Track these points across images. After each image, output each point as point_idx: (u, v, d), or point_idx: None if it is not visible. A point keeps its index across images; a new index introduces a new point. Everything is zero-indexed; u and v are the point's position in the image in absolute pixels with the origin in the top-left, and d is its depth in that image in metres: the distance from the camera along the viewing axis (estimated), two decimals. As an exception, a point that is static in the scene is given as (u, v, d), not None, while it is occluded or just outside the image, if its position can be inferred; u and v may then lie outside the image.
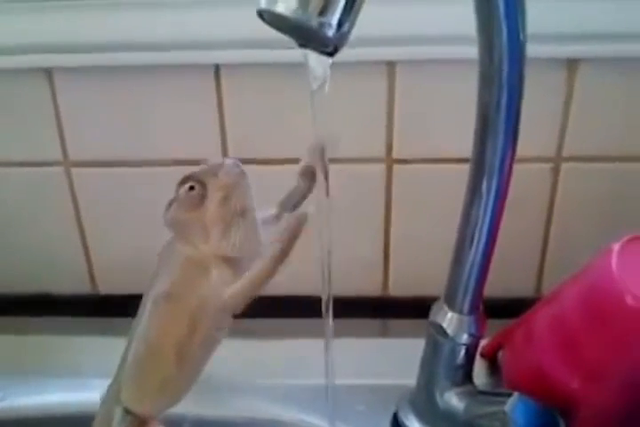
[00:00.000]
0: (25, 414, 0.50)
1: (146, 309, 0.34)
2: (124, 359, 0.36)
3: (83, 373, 0.51)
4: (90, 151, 0.54)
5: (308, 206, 0.34)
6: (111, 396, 0.37)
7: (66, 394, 0.50)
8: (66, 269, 0.59)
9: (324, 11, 0.26)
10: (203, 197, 0.31)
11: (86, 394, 0.49)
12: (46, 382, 0.51)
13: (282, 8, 0.27)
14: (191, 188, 0.31)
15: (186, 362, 0.34)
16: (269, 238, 0.32)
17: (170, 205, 0.33)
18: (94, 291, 0.60)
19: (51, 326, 0.57)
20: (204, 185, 0.31)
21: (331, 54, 0.28)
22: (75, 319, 0.58)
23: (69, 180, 0.55)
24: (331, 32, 0.27)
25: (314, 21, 0.26)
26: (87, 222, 0.57)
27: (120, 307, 0.58)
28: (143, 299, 0.35)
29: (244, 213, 0.32)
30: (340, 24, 0.27)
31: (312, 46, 0.28)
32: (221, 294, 0.32)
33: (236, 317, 0.35)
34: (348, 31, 0.27)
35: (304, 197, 0.34)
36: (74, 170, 0.55)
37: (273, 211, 0.35)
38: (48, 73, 0.51)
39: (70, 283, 0.59)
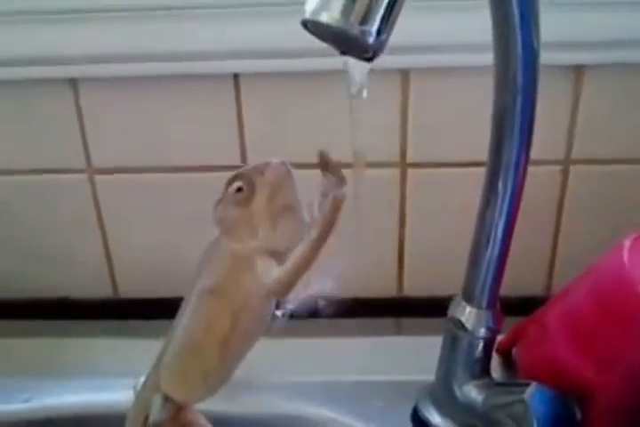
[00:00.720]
0: (50, 415, 0.51)
1: (190, 302, 0.35)
2: (164, 349, 0.37)
3: (105, 373, 0.52)
4: (112, 159, 0.56)
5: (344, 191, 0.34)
6: (149, 384, 0.38)
7: (90, 395, 0.51)
8: (88, 273, 0.60)
9: (364, 20, 0.29)
10: (251, 195, 0.33)
11: (109, 394, 0.50)
12: (70, 383, 0.52)
13: (326, 18, 0.29)
14: (239, 188, 0.33)
15: (228, 355, 0.35)
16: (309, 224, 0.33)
17: (218, 203, 0.34)
18: (115, 295, 0.61)
19: (73, 329, 0.59)
20: (251, 183, 0.33)
21: (369, 60, 0.30)
22: (96, 322, 0.59)
23: (92, 186, 0.56)
24: (371, 39, 0.29)
25: (356, 30, 0.29)
26: (109, 228, 0.58)
27: (141, 310, 0.60)
28: (186, 293, 0.36)
29: (290, 209, 0.33)
30: (379, 32, 0.29)
31: (352, 53, 0.31)
32: (265, 280, 0.33)
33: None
34: (386, 39, 0.29)
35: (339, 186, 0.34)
36: (97, 177, 0.56)
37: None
38: (73, 83, 0.53)
39: (92, 287, 0.61)
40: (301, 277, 0.33)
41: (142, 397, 0.39)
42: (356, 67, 0.32)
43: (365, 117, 0.37)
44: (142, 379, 0.40)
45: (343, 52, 0.31)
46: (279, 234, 0.33)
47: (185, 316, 0.36)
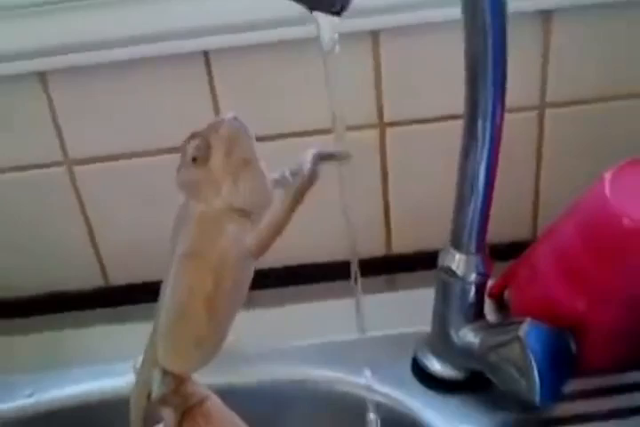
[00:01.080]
0: (54, 407, 0.51)
1: (171, 270, 0.35)
2: (156, 323, 0.37)
3: (104, 360, 0.52)
4: (89, 148, 0.55)
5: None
6: (148, 359, 0.38)
7: (91, 383, 0.51)
8: (77, 265, 0.60)
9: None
10: (208, 153, 0.33)
11: (110, 380, 0.51)
12: (70, 374, 0.52)
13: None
14: (195, 148, 0.33)
15: (216, 317, 0.35)
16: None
17: (179, 168, 0.34)
18: (107, 284, 0.61)
19: (68, 321, 0.59)
20: (207, 141, 0.33)
21: (338, 13, 0.31)
22: (90, 312, 0.60)
23: (72, 178, 0.56)
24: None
25: None
26: (93, 218, 0.58)
27: (133, 295, 0.60)
28: (168, 265, 0.36)
29: (249, 163, 0.33)
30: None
31: (320, 8, 0.31)
32: (243, 241, 0.33)
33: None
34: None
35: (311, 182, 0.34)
36: (75, 168, 0.56)
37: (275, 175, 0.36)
38: (41, 76, 0.52)
39: (83, 278, 0.61)
40: (278, 237, 0.33)
41: (142, 373, 0.39)
42: (326, 23, 0.32)
43: (340, 79, 0.38)
44: (141, 358, 0.40)
45: (312, 9, 0.32)
46: (242, 189, 0.33)
47: (168, 284, 0.36)
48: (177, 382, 0.38)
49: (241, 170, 0.33)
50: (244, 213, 0.34)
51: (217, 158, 0.33)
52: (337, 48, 0.33)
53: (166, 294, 0.36)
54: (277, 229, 0.33)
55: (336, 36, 0.33)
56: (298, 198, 0.32)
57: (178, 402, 0.39)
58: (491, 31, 0.36)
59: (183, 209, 0.35)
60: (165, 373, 0.38)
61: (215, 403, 0.40)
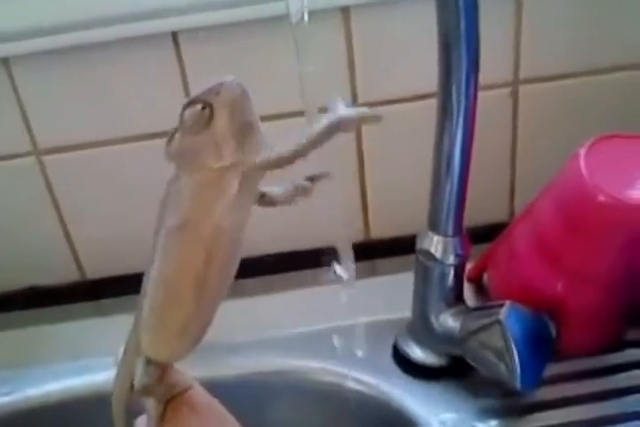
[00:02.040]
0: (34, 405, 0.50)
1: (157, 247, 0.34)
2: (139, 309, 0.36)
3: (84, 356, 0.51)
4: (59, 137, 0.54)
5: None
6: (130, 349, 0.37)
7: (71, 379, 0.50)
8: (52, 259, 0.59)
9: None
10: (210, 117, 0.31)
11: (91, 376, 0.50)
12: (50, 370, 0.51)
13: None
14: (200, 110, 0.31)
15: (204, 297, 0.34)
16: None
17: (172, 136, 0.33)
18: (83, 277, 0.60)
19: (45, 317, 0.58)
20: (209, 105, 0.31)
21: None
22: (68, 307, 0.58)
23: (42, 168, 0.55)
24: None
25: None
26: (66, 210, 0.57)
27: (110, 288, 0.59)
28: (152, 244, 0.34)
29: (251, 126, 0.32)
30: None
31: None
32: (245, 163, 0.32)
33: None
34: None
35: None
36: (45, 158, 0.54)
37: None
38: (4, 62, 0.50)
39: (57, 272, 0.59)
40: (297, 158, 0.31)
41: (124, 364, 0.38)
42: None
43: (311, 58, 0.37)
44: (122, 349, 0.39)
45: None
46: (245, 151, 0.32)
47: (154, 263, 0.34)
48: (160, 371, 0.37)
49: (244, 133, 0.32)
50: (247, 174, 0.32)
51: (220, 122, 0.31)
52: (305, 18, 0.32)
53: (151, 273, 0.34)
54: (283, 161, 0.31)
55: (304, 4, 0.31)
56: (313, 143, 0.31)
57: (161, 392, 0.37)
58: (463, 5, 0.35)
59: (173, 183, 0.33)
60: (149, 362, 0.36)
61: (199, 392, 0.39)
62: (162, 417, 0.38)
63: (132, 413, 0.39)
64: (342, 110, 0.31)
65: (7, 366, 0.52)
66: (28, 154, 0.54)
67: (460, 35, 0.36)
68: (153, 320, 0.35)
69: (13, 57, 0.50)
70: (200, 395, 0.39)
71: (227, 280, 0.34)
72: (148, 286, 0.35)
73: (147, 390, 0.37)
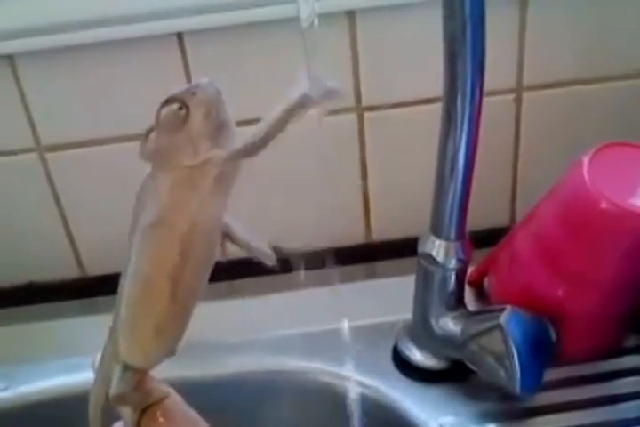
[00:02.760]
0: (30, 401, 0.50)
1: (133, 246, 0.34)
2: (116, 312, 0.36)
3: (80, 353, 0.49)
4: (62, 134, 0.54)
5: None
6: (107, 355, 0.37)
7: (66, 376, 0.50)
8: (52, 255, 0.59)
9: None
10: (186, 116, 0.32)
11: (86, 373, 0.48)
12: (46, 367, 0.51)
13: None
14: (176, 109, 0.32)
15: (180, 294, 0.34)
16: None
17: (147, 135, 0.33)
18: (83, 274, 0.60)
19: (43, 313, 0.57)
20: (185, 104, 0.32)
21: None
22: (66, 303, 0.58)
23: (44, 165, 0.55)
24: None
25: None
26: (67, 206, 0.57)
27: (109, 286, 0.59)
28: (130, 242, 0.35)
29: (226, 126, 0.33)
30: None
31: None
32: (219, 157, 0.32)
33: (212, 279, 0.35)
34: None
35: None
36: (48, 155, 0.54)
37: None
38: (9, 59, 0.50)
39: (58, 268, 0.59)
40: (268, 142, 0.32)
41: (101, 370, 0.38)
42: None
43: (315, 66, 0.37)
44: (99, 354, 0.39)
45: None
46: (220, 148, 0.32)
47: (130, 262, 0.34)
48: (137, 379, 0.37)
49: (219, 132, 0.32)
50: (221, 170, 0.33)
51: (195, 121, 0.32)
52: (315, 23, 0.32)
53: (128, 270, 0.35)
54: (251, 148, 0.32)
55: (314, 10, 0.31)
56: (278, 125, 0.32)
57: (137, 400, 0.38)
58: (469, 14, 0.35)
59: (148, 181, 0.34)
60: (125, 369, 0.37)
61: (175, 400, 0.39)
62: (137, 426, 0.38)
63: (111, 418, 0.39)
64: (302, 87, 0.32)
65: (3, 362, 0.52)
66: (30, 150, 0.54)
67: (466, 43, 0.36)
68: (129, 319, 0.35)
69: (19, 54, 0.50)
70: (176, 404, 0.39)
71: (202, 278, 0.35)
72: (125, 282, 0.35)
73: (122, 399, 0.37)
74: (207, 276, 0.35)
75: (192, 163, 0.32)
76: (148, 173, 0.34)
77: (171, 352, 0.36)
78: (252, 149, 0.32)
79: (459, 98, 0.38)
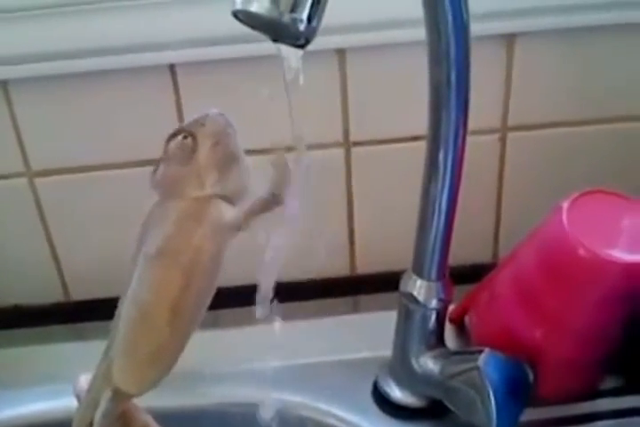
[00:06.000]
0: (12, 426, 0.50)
1: (136, 273, 0.34)
2: (112, 335, 0.36)
3: (62, 379, 0.50)
4: (52, 160, 0.54)
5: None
6: (99, 376, 0.37)
7: (47, 402, 0.50)
8: (37, 278, 0.59)
9: (294, 8, 0.29)
10: (194, 147, 0.32)
11: (67, 400, 0.47)
12: (26, 393, 0.51)
13: (256, 7, 0.29)
14: (182, 141, 0.33)
15: (179, 324, 0.34)
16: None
17: (157, 166, 0.34)
18: (67, 299, 0.60)
19: (24, 337, 0.57)
20: (193, 135, 0.32)
21: (302, 46, 0.31)
22: (49, 328, 0.58)
23: (33, 189, 0.55)
24: (302, 27, 0.29)
25: (286, 18, 0.29)
26: (54, 230, 0.57)
27: (94, 311, 0.58)
28: (130, 270, 0.35)
29: (234, 158, 0.33)
30: (309, 19, 0.29)
31: (284, 41, 0.31)
32: (223, 216, 0.33)
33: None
34: (317, 25, 0.30)
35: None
36: (37, 180, 0.55)
37: None
38: (3, 85, 0.51)
39: (42, 293, 0.59)
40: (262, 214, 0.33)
41: (91, 390, 0.37)
42: (291, 53, 0.32)
43: (305, 100, 0.38)
44: (82, 378, 0.38)
45: (275, 40, 0.31)
46: (227, 182, 0.33)
47: (131, 287, 0.34)
48: (124, 404, 0.37)
49: (227, 165, 0.33)
50: (228, 201, 0.33)
51: (203, 152, 0.32)
52: (301, 78, 0.33)
53: (128, 296, 0.35)
54: (257, 211, 0.32)
55: (300, 65, 0.32)
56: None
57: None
58: (454, 59, 0.36)
59: (156, 209, 0.34)
60: (116, 393, 0.36)
61: None
62: None
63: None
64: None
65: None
66: (20, 175, 0.54)
67: (451, 89, 0.37)
68: (125, 344, 0.35)
69: (12, 80, 0.51)
70: None
71: (201, 308, 0.35)
72: (124, 308, 0.35)
73: (107, 424, 0.36)
74: (207, 305, 0.35)
75: (198, 194, 0.33)
76: (155, 201, 0.34)
77: (164, 375, 0.36)
78: (256, 213, 0.33)
79: (442, 142, 0.39)
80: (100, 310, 0.57)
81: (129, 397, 0.37)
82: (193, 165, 0.33)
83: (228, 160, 0.33)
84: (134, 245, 0.35)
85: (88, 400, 0.38)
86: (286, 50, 0.31)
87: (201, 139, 0.32)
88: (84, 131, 0.53)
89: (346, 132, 0.54)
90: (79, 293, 0.60)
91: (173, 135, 0.33)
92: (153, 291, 0.34)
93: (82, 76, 0.50)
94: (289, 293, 0.57)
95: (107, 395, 0.36)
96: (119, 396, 0.36)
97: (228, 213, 0.33)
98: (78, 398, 0.38)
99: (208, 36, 0.49)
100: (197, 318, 0.35)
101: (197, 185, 0.33)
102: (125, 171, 0.55)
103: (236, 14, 0.30)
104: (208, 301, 0.35)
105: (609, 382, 0.48)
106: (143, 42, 0.49)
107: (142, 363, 0.35)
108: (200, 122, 0.33)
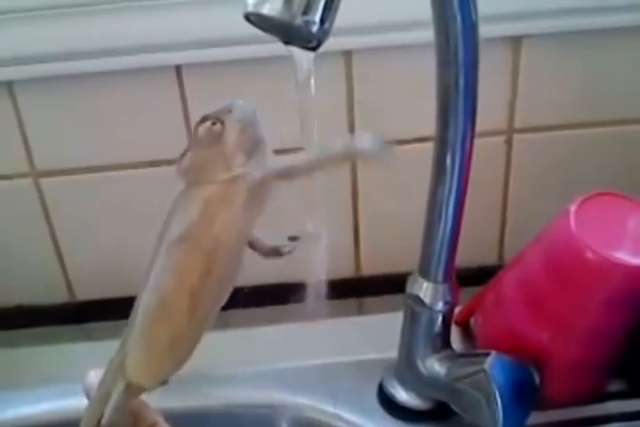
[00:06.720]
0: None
1: (157, 259, 0.34)
2: (128, 330, 0.35)
3: (65, 380, 0.49)
4: (57, 160, 0.54)
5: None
6: (112, 371, 0.37)
7: (50, 403, 0.50)
8: (42, 279, 0.59)
9: (307, 10, 0.29)
10: (222, 131, 0.33)
11: (72, 400, 0.48)
12: (30, 393, 0.51)
13: (268, 10, 0.29)
14: (210, 125, 0.33)
15: (198, 309, 0.34)
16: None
17: (184, 154, 0.34)
18: (72, 298, 0.60)
19: (29, 338, 0.57)
20: (221, 121, 0.33)
21: (314, 49, 0.31)
22: (53, 329, 0.58)
23: (38, 190, 0.55)
24: (315, 29, 0.29)
25: (298, 20, 0.29)
26: (59, 230, 0.57)
27: (98, 311, 0.59)
28: (152, 255, 0.34)
29: (260, 144, 0.33)
30: (322, 21, 0.29)
31: (296, 43, 0.31)
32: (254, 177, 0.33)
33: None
34: (330, 27, 0.30)
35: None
36: (42, 180, 0.55)
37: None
38: (8, 86, 0.51)
39: (46, 293, 0.59)
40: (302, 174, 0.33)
41: (103, 385, 0.37)
42: (302, 55, 0.32)
43: (312, 103, 0.38)
44: (92, 374, 0.38)
45: (287, 42, 0.31)
46: (253, 166, 0.33)
47: (151, 274, 0.34)
48: (135, 399, 0.37)
49: (253, 150, 0.33)
50: (253, 187, 0.33)
51: (230, 137, 0.33)
52: (312, 80, 0.33)
53: (148, 282, 0.34)
54: (291, 172, 0.33)
55: (311, 68, 0.32)
56: (325, 162, 0.33)
57: (128, 423, 0.37)
58: (462, 62, 0.36)
59: (181, 197, 0.34)
60: (129, 387, 0.36)
61: None
62: None
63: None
64: (364, 142, 0.33)
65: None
66: (25, 175, 0.55)
67: (459, 92, 0.37)
68: (143, 332, 0.35)
69: (18, 81, 0.51)
70: None
71: (221, 298, 0.34)
72: (143, 295, 0.35)
73: (118, 418, 0.36)
74: (227, 295, 0.35)
75: (224, 177, 0.33)
76: (180, 190, 0.34)
77: (179, 366, 0.36)
78: (286, 176, 0.33)
79: (449, 145, 0.38)
80: (104, 311, 0.59)
81: (141, 390, 0.37)
82: (220, 149, 0.33)
83: (254, 146, 0.33)
84: (156, 236, 0.34)
85: (99, 395, 0.37)
86: (298, 52, 0.31)
87: (229, 124, 0.33)
88: (89, 131, 0.53)
89: (352, 134, 0.54)
90: (83, 293, 0.60)
91: (201, 121, 0.33)
92: (173, 276, 0.33)
93: (87, 77, 0.50)
94: (294, 294, 0.58)
95: (119, 388, 0.36)
96: (131, 389, 0.36)
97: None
98: (87, 393, 0.38)
99: (214, 38, 0.49)
100: (215, 307, 0.35)
101: (224, 168, 0.33)
102: (131, 171, 0.55)
103: (247, 17, 0.30)
104: (227, 292, 0.35)
105: (615, 385, 0.48)
106: (149, 43, 0.49)
107: (158, 353, 0.35)
108: (227, 109, 0.33)
